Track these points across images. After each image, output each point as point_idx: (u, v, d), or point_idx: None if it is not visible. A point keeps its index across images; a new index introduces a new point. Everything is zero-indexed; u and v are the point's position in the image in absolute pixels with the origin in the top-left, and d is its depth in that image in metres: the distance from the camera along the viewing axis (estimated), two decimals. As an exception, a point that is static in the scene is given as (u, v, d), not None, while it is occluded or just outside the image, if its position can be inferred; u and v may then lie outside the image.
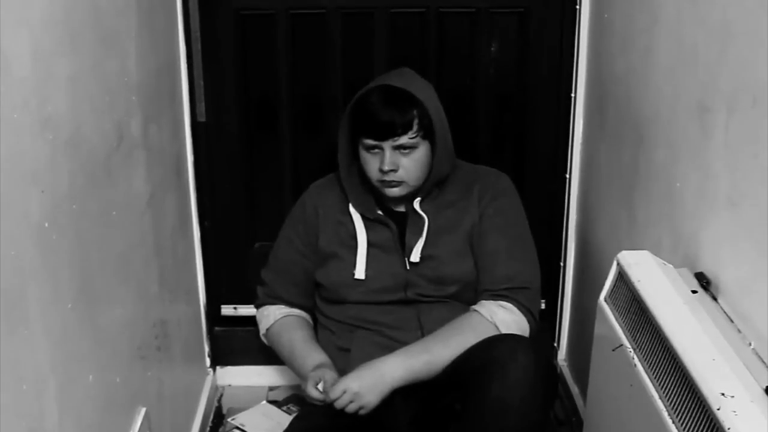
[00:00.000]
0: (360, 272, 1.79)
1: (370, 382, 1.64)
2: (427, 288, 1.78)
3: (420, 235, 1.79)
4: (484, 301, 1.73)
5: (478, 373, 1.52)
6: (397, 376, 1.65)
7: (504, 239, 1.79)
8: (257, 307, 2.01)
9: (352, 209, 1.83)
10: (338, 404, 1.64)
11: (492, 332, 1.66)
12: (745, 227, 1.13)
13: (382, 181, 1.75)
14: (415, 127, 1.70)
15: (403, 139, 1.70)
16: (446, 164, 1.79)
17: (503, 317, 1.70)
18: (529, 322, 1.72)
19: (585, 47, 1.99)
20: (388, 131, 1.70)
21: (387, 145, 1.71)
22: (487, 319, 1.69)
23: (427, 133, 1.72)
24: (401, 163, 1.73)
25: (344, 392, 1.63)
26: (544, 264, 2.14)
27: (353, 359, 1.75)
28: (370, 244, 1.81)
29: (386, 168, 1.72)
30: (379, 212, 1.83)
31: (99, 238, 1.24)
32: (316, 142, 2.14)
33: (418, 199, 1.80)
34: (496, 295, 1.73)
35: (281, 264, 1.94)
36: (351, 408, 1.64)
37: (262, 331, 1.97)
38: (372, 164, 1.75)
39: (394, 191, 1.77)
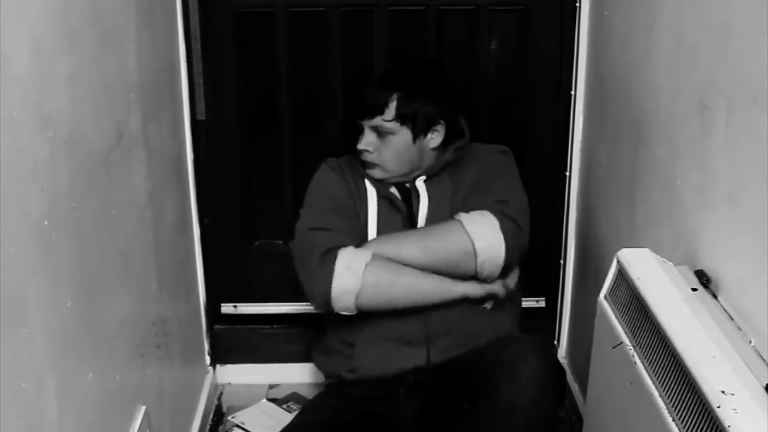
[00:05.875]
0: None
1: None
2: None
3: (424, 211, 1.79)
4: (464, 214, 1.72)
5: (488, 374, 1.52)
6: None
7: (481, 177, 1.79)
8: (327, 252, 1.68)
9: (367, 183, 1.81)
10: None
11: (458, 230, 1.67)
12: (745, 225, 1.13)
13: (363, 161, 1.79)
14: (391, 112, 1.72)
15: (377, 121, 1.72)
16: (455, 153, 1.81)
17: (472, 215, 1.69)
18: (506, 227, 1.68)
19: (585, 45, 1.99)
20: (362, 110, 1.74)
21: (365, 124, 1.75)
22: (456, 219, 1.69)
23: (407, 121, 1.73)
24: (377, 145, 1.75)
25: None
26: (544, 262, 2.15)
27: (358, 355, 1.75)
28: (380, 224, 1.79)
29: (360, 147, 1.76)
30: (392, 190, 1.82)
31: (98, 236, 1.24)
32: (316, 139, 2.14)
33: (423, 177, 1.80)
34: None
35: (340, 206, 1.79)
36: None
37: (362, 265, 1.65)
38: (358, 144, 1.78)
39: (372, 172, 1.80)
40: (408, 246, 1.71)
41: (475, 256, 1.67)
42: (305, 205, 1.82)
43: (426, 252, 1.70)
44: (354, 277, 1.64)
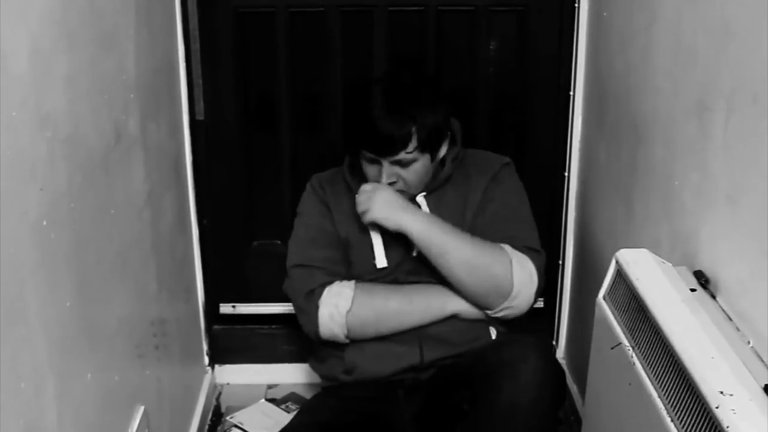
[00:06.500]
0: (381, 260, 1.78)
1: (389, 201, 1.70)
2: (433, 275, 1.77)
3: None
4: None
5: (488, 374, 1.52)
6: (409, 226, 1.70)
7: (503, 209, 1.79)
8: (310, 293, 1.75)
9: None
10: (357, 198, 1.73)
11: (506, 267, 1.68)
12: (744, 225, 1.13)
13: None
14: (413, 144, 1.68)
15: (399, 156, 1.69)
16: (453, 165, 1.80)
17: (520, 258, 1.70)
18: (539, 278, 1.72)
19: (584, 45, 1.99)
20: (384, 149, 1.69)
21: (385, 160, 1.70)
22: (508, 253, 1.70)
23: (426, 146, 1.71)
24: (400, 174, 1.72)
25: (366, 191, 1.72)
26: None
27: (350, 355, 1.75)
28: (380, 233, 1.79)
29: (385, 182, 1.72)
30: None
31: (97, 236, 1.24)
32: (315, 140, 2.14)
33: (423, 193, 1.79)
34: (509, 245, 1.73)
35: (319, 236, 1.82)
36: (359, 203, 1.72)
37: (343, 311, 1.71)
38: (371, 173, 1.75)
39: None
40: (457, 254, 1.69)
41: (507, 298, 1.70)
42: (291, 237, 1.86)
43: (468, 271, 1.70)
44: (338, 325, 1.72)
